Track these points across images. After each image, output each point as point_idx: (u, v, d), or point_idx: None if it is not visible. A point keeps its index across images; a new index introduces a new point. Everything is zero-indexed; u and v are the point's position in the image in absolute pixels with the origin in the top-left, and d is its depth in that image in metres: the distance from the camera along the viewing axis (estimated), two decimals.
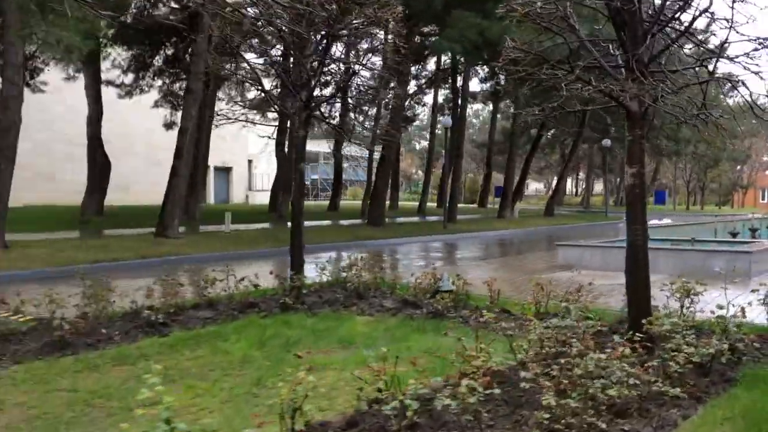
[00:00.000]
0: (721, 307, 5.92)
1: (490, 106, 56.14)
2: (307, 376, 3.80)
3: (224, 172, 48.46)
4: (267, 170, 54.22)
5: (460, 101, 28.07)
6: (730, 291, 6.86)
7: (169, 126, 31.47)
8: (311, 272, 9.78)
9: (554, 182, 60.25)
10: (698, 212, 50.19)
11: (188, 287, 9.50)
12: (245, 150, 50.66)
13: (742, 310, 6.06)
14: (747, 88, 6.15)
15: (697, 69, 6.71)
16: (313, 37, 9.28)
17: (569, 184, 75.98)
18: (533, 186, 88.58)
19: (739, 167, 64.94)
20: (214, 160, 47.69)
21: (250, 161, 52.07)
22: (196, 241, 16.73)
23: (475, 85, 42.35)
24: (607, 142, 36.42)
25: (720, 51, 6.47)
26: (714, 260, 10.70)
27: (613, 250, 11.65)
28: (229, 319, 7.49)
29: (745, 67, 5.88)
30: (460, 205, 52.26)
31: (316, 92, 9.85)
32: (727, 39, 6.10)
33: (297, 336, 6.82)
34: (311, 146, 79.01)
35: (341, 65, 11.21)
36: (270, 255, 15.94)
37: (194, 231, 20.24)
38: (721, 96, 49.01)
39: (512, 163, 30.74)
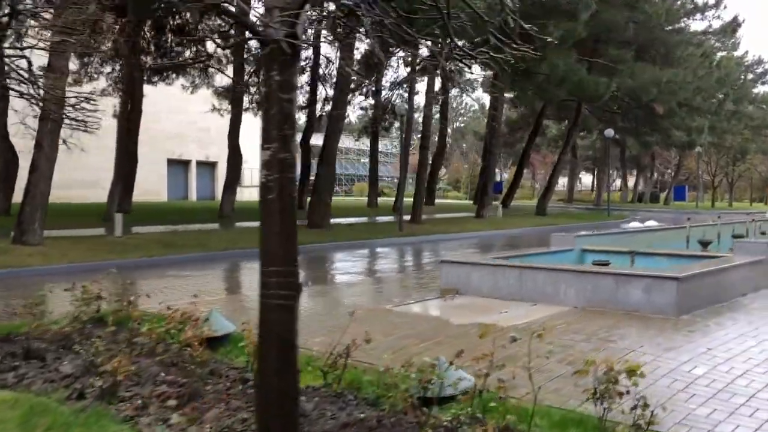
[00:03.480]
0: None
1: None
2: None
3: (209, 167, 46.07)
4: (256, 164, 51.55)
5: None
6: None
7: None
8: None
9: (562, 178, 56.71)
10: (723, 209, 46.09)
11: None
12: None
13: None
14: None
15: None
16: None
17: (589, 179, 72.01)
18: (561, 180, 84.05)
19: None
20: (197, 154, 45.51)
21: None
22: (62, 248, 14.12)
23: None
24: (609, 132, 32.88)
25: None
26: (630, 288, 7.64)
27: (506, 270, 8.65)
28: None
29: None
30: (450, 201, 49.27)
31: None
32: None
33: None
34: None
35: None
36: (134, 267, 13.30)
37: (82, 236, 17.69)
38: (750, 82, 44.80)
39: (491, 156, 27.58)
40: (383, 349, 5.92)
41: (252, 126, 39.73)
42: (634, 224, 17.17)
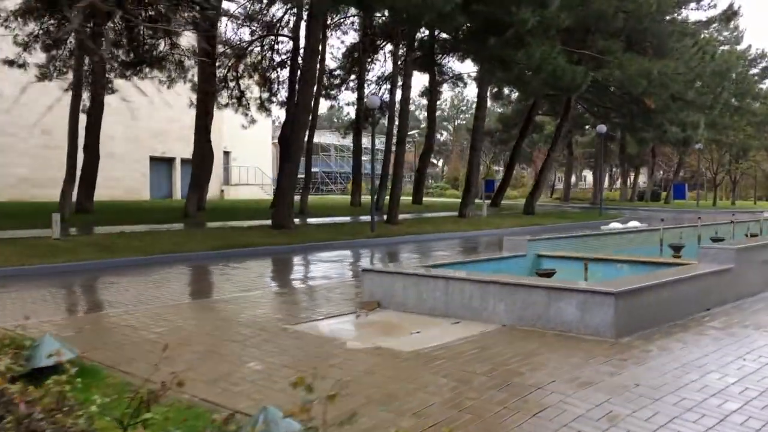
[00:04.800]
0: None
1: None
2: None
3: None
4: (250, 162, 50.70)
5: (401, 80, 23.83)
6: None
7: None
8: None
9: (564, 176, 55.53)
10: (726, 208, 44.73)
11: None
12: (220, 140, 47.05)
13: None
14: None
15: None
16: None
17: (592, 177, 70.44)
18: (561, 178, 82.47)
19: None
20: (181, 152, 44.30)
21: (227, 152, 48.45)
22: None
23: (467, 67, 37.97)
24: (602, 127, 31.54)
25: None
26: (563, 305, 6.46)
27: (431, 281, 7.48)
28: None
29: None
30: (443, 200, 47.91)
31: None
32: None
33: None
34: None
35: None
36: (52, 273, 12.22)
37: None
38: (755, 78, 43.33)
39: (475, 152, 26.33)
40: (235, 382, 4.80)
41: (236, 123, 38.73)
42: (614, 225, 15.95)
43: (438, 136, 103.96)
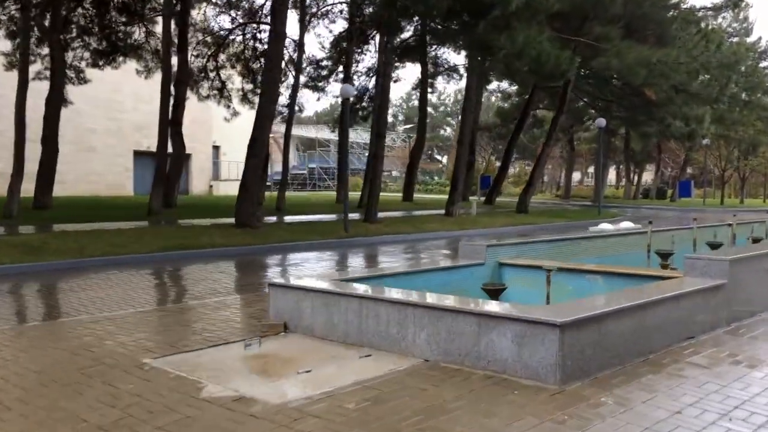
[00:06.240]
0: None
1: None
2: None
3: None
4: (242, 157, 49.01)
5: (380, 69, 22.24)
6: None
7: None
8: None
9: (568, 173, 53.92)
10: (734, 207, 42.90)
11: None
12: (209, 135, 45.63)
13: None
14: None
15: None
16: None
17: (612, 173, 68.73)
18: (576, 177, 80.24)
19: None
20: (167, 146, 42.86)
21: (216, 147, 47.01)
22: None
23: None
24: (601, 121, 29.81)
25: None
26: (497, 337, 4.93)
27: (342, 300, 5.96)
28: None
29: None
30: (435, 197, 46.26)
31: None
32: None
33: None
34: (305, 132, 74.03)
35: None
36: None
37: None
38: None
39: (461, 146, 24.69)
40: None
41: (216, 117, 37.22)
42: (604, 226, 14.43)
43: (441, 131, 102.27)
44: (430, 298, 5.56)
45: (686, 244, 11.50)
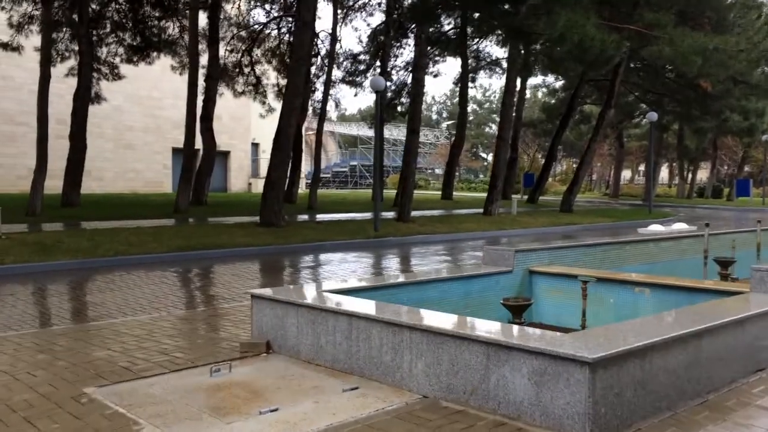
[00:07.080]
0: None
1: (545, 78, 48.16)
2: None
3: (220, 156, 43.19)
4: None
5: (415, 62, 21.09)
6: None
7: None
8: None
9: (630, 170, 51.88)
10: None
11: None
12: (248, 132, 45.31)
13: None
14: None
15: None
16: None
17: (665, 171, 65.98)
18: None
19: None
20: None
21: (256, 144, 46.62)
22: None
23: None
24: (652, 115, 28.08)
25: None
26: (509, 373, 3.88)
27: (329, 317, 4.98)
28: None
29: None
30: (476, 195, 44.82)
31: None
32: None
33: None
34: (347, 129, 73.48)
35: None
36: None
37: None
38: None
39: (502, 142, 23.40)
40: None
41: (255, 114, 36.67)
42: (654, 228, 13.05)
43: (486, 129, 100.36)
44: (428, 319, 4.52)
45: (749, 249, 10.17)
